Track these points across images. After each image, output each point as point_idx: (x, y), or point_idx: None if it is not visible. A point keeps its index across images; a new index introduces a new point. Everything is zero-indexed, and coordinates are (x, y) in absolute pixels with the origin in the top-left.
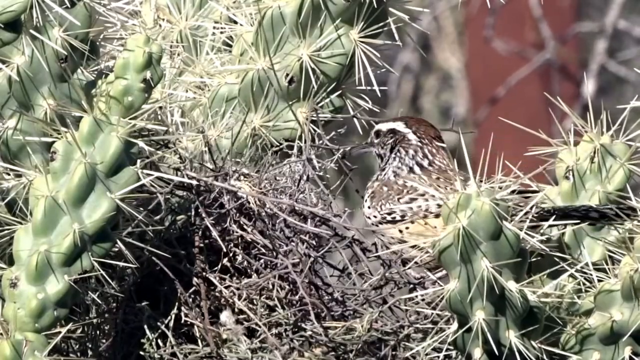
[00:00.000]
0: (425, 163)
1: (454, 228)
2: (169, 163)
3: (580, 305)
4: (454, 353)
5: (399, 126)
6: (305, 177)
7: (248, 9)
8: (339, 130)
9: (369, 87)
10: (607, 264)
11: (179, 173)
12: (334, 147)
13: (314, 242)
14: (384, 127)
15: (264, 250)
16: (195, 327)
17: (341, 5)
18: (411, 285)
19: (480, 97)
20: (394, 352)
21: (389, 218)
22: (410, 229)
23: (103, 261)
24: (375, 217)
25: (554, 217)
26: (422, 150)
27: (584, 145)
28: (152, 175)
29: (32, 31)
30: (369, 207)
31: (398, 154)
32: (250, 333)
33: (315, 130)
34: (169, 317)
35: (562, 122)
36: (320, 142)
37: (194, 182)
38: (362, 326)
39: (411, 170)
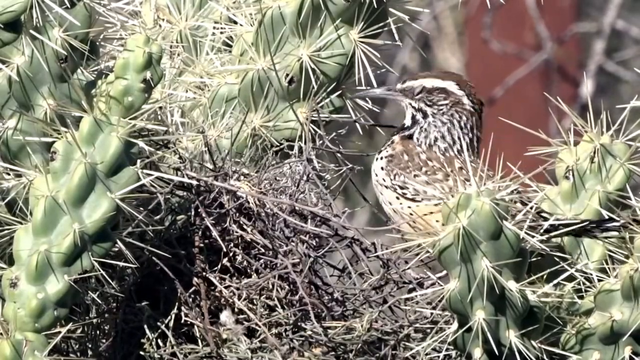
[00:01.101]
0: (468, 138)
1: (454, 228)
2: (169, 163)
3: (580, 305)
4: (454, 353)
5: (452, 86)
6: (305, 178)
7: (248, 9)
8: (339, 131)
9: (369, 87)
10: (607, 264)
11: (179, 173)
12: (334, 149)
13: (313, 243)
14: (429, 83)
15: (263, 250)
16: (195, 327)
17: (341, 5)
18: (411, 285)
19: (480, 97)
20: (393, 352)
21: (399, 191)
22: (420, 209)
23: (103, 261)
24: (384, 180)
25: (553, 222)
26: (471, 120)
27: (583, 145)
28: (152, 175)
29: (32, 31)
30: (382, 168)
31: (451, 118)
32: (250, 333)
33: (315, 131)
34: (169, 317)
35: (561, 122)
36: (321, 142)
37: (194, 182)
38: (361, 326)
39: (457, 146)
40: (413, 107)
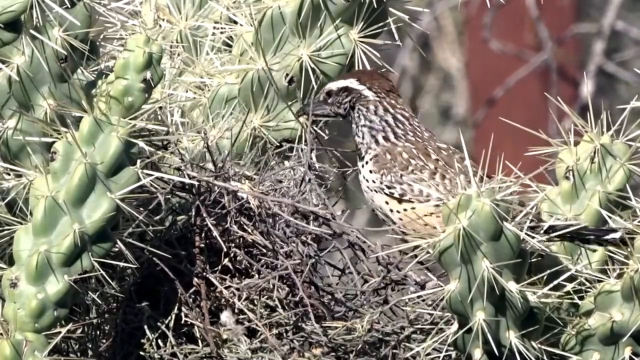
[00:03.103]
0: (389, 118)
1: (455, 229)
2: (169, 163)
3: (581, 305)
4: (454, 353)
5: (353, 83)
6: (306, 179)
7: (248, 9)
8: (335, 133)
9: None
10: (607, 265)
11: (179, 173)
12: (330, 148)
13: (313, 244)
14: (334, 85)
15: (264, 251)
16: (196, 327)
17: (341, 5)
18: (411, 288)
19: (480, 97)
20: (394, 352)
21: (387, 191)
22: (408, 213)
23: (103, 261)
24: (374, 182)
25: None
26: (382, 104)
27: (584, 145)
28: (152, 175)
29: (32, 31)
30: (370, 172)
31: (359, 112)
32: (251, 333)
33: (315, 131)
34: (169, 317)
35: (561, 122)
36: (315, 140)
37: (195, 183)
38: (362, 326)
39: (389, 129)
40: (336, 114)
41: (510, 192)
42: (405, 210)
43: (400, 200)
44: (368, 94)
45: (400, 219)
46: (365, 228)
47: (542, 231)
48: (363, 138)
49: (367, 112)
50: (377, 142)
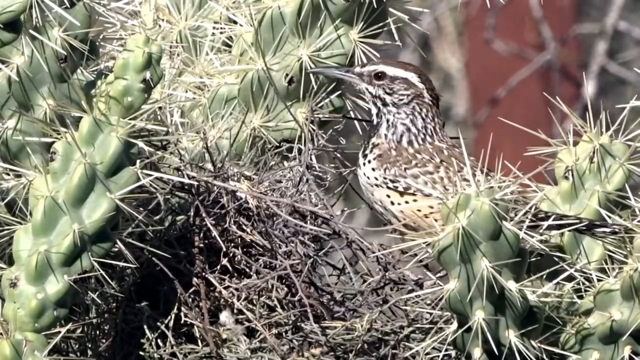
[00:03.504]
0: (430, 126)
1: (454, 228)
2: (169, 163)
3: (580, 304)
4: (453, 353)
5: (414, 78)
6: (305, 180)
7: (248, 9)
8: (337, 126)
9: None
10: (606, 264)
11: (178, 173)
12: (330, 148)
13: (312, 244)
14: (391, 71)
15: (263, 251)
16: (195, 327)
17: (341, 5)
18: (409, 287)
19: (480, 97)
20: (393, 352)
21: (390, 185)
22: (410, 206)
23: (103, 261)
24: (376, 178)
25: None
26: (431, 111)
27: (583, 145)
28: (151, 175)
29: (31, 31)
30: (373, 169)
31: (413, 110)
32: (250, 333)
33: (314, 130)
34: (169, 317)
35: (563, 123)
36: (320, 143)
37: (194, 183)
38: (361, 326)
39: (421, 135)
40: (370, 93)
41: (510, 191)
42: (407, 202)
43: (402, 194)
44: (426, 96)
45: (402, 212)
46: (365, 228)
47: (542, 219)
48: (388, 130)
49: (418, 114)
50: (399, 142)
